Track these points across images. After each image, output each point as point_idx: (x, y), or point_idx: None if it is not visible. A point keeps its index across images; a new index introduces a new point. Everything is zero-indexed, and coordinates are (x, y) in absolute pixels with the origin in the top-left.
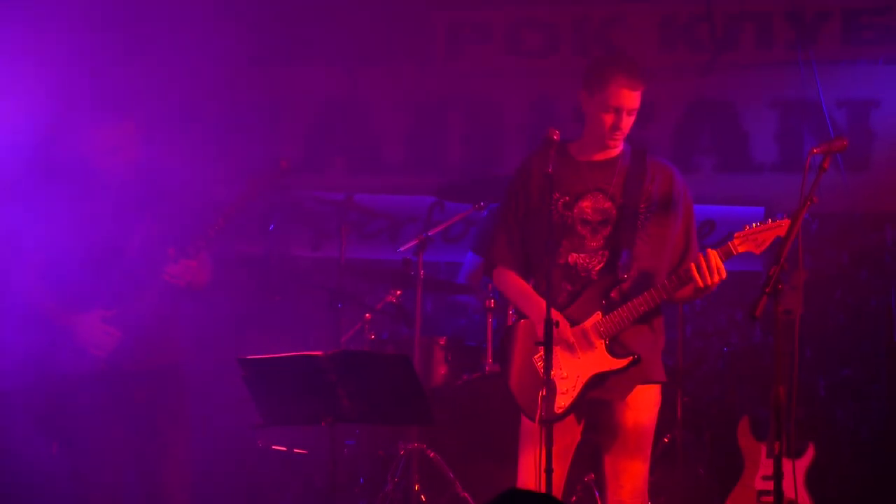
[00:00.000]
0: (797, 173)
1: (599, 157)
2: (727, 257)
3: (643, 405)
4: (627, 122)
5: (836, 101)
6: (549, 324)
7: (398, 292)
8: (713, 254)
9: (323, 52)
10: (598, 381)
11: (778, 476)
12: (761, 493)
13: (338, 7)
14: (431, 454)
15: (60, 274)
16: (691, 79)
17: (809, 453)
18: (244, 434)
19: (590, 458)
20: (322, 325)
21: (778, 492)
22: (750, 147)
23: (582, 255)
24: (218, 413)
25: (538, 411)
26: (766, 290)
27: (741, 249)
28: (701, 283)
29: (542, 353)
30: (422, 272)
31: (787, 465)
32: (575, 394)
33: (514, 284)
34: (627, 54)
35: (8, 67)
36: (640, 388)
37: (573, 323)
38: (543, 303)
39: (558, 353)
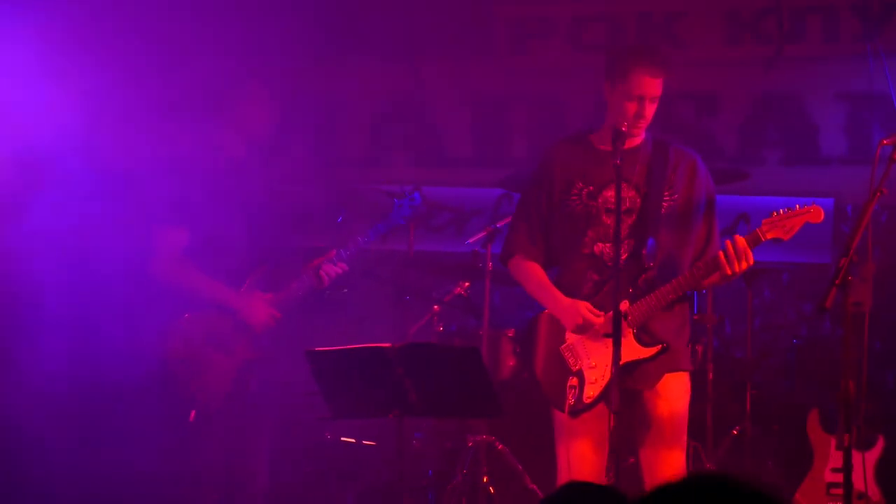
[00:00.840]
0: (866, 165)
1: (624, 145)
2: (755, 244)
3: (674, 393)
4: (650, 109)
5: None
6: (618, 314)
7: (466, 284)
8: (741, 240)
9: (383, 46)
10: (627, 370)
11: (847, 468)
12: (831, 485)
13: (399, 1)
14: (500, 446)
15: (224, 256)
16: (758, 72)
17: (879, 445)
18: (313, 425)
19: (628, 442)
20: (390, 317)
21: (847, 484)
22: (818, 139)
23: (607, 244)
24: (287, 404)
25: (567, 402)
26: (836, 282)
27: (769, 236)
28: (729, 271)
29: (568, 343)
30: (490, 264)
31: (856, 457)
32: (605, 383)
33: (534, 275)
34: (649, 44)
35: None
36: (668, 376)
37: (602, 311)
38: (562, 295)
39: (586, 343)
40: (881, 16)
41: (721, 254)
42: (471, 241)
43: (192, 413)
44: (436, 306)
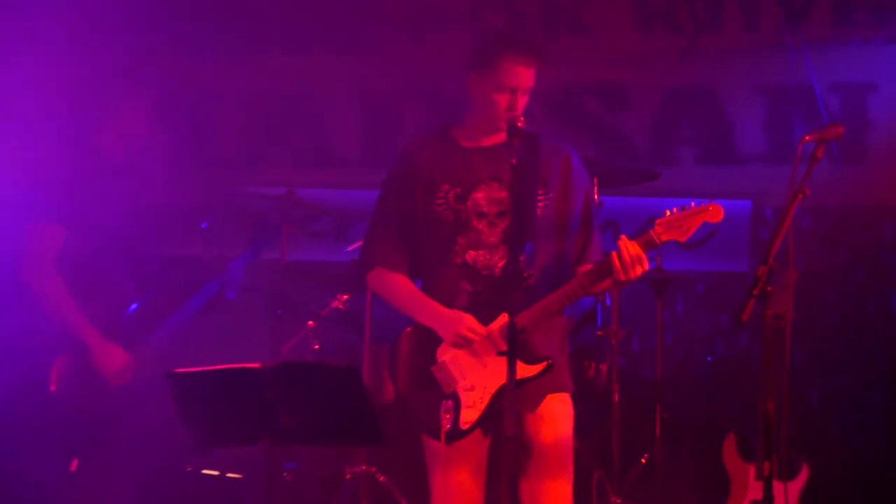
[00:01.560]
0: (787, 164)
1: (489, 142)
2: (650, 247)
3: (559, 416)
4: (522, 102)
5: (830, 85)
6: (514, 329)
7: (345, 297)
8: (633, 245)
9: (265, 40)
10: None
11: (768, 501)
12: None
13: None
14: (381, 478)
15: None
16: (670, 64)
17: (803, 474)
18: (173, 457)
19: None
20: (261, 333)
21: None
22: (735, 137)
23: (480, 251)
24: (144, 434)
25: (443, 429)
26: (754, 292)
27: (665, 238)
28: (622, 276)
29: (440, 362)
30: None
31: (778, 488)
32: (483, 406)
33: (403, 287)
34: (519, 30)
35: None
36: (551, 397)
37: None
38: (441, 307)
39: (461, 362)
40: (804, 4)
41: (614, 256)
42: (351, 248)
43: (75, 462)
44: (311, 321)
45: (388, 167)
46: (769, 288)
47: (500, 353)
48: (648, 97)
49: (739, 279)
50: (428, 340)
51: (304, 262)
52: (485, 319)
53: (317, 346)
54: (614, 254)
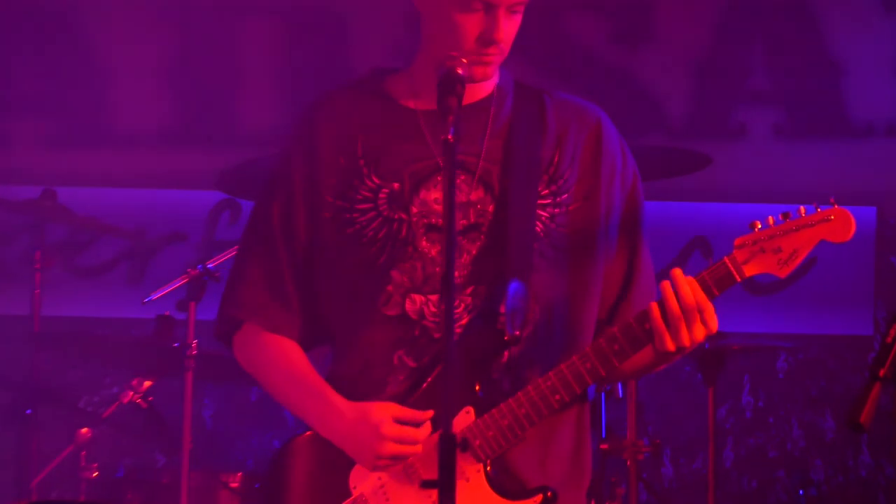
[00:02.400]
0: None
1: None
2: (722, 287)
3: None
4: (508, 27)
5: None
6: (449, 441)
7: (147, 384)
8: (687, 284)
9: None
10: None
11: None
12: None
13: None
14: None
15: None
16: None
17: None
18: None
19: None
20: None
21: None
22: (849, 90)
23: (433, 295)
24: None
25: None
26: (881, 372)
27: (751, 271)
28: (670, 344)
29: (357, 495)
30: (194, 341)
31: None
32: None
33: (285, 361)
34: None
35: None
36: None
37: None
38: (343, 399)
39: (391, 492)
40: None
41: (655, 311)
42: (156, 296)
43: None
44: (86, 428)
45: (268, 147)
46: None
47: (426, 484)
48: (688, 18)
49: (856, 347)
50: (338, 455)
51: (69, 321)
52: (436, 415)
53: (94, 475)
54: (655, 305)
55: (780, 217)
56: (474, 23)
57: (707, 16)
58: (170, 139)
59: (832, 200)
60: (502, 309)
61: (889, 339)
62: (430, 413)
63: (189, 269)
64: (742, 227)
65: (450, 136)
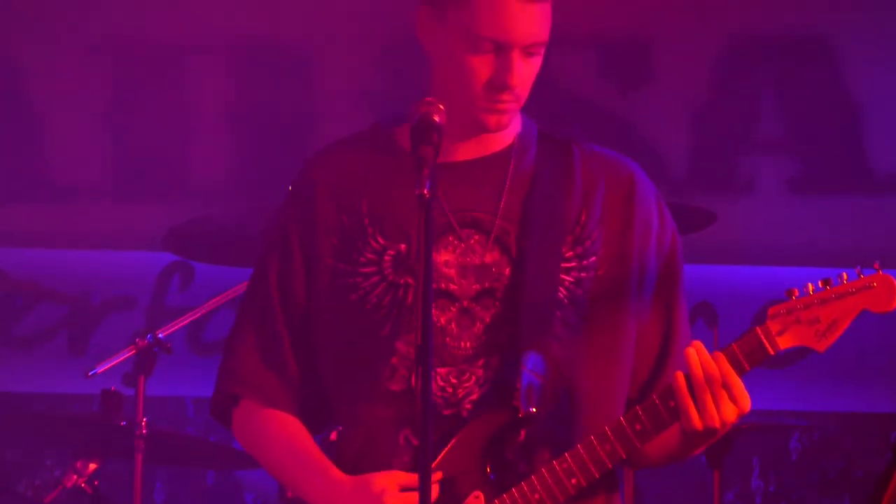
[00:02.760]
0: None
1: (469, 152)
2: (753, 360)
3: None
4: (524, 71)
5: None
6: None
7: (92, 466)
8: (716, 355)
9: None
10: None
11: None
12: None
13: None
14: None
15: None
16: None
17: None
18: None
19: None
20: None
21: None
22: (870, 137)
23: (441, 368)
24: None
25: None
26: None
27: (786, 343)
28: (697, 419)
29: None
30: (144, 419)
31: None
32: None
33: (284, 437)
34: None
35: None
36: None
37: None
38: (341, 473)
39: None
40: None
41: (680, 378)
42: (100, 369)
43: None
44: None
45: (222, 201)
46: None
47: None
48: (693, 59)
49: (878, 426)
50: None
51: (6, 397)
52: (444, 499)
53: None
54: (681, 375)
55: (820, 284)
56: (485, 65)
57: (710, 53)
58: (112, 193)
59: (876, 266)
60: (518, 384)
61: None
62: (438, 475)
63: (137, 339)
64: (750, 292)
65: (425, 191)
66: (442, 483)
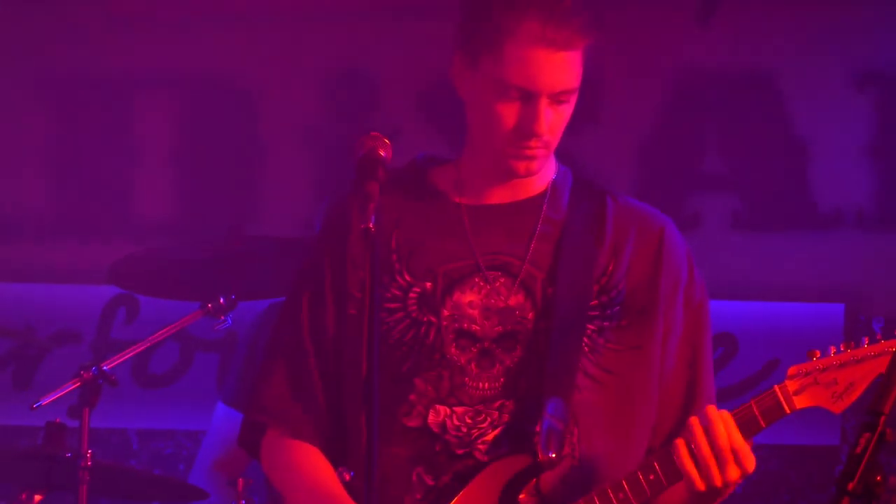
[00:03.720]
0: None
1: (502, 196)
2: (769, 419)
3: None
4: (552, 119)
5: None
6: None
7: (37, 498)
8: (724, 418)
9: None
10: None
11: None
12: None
13: None
14: None
15: None
16: (685, 29)
17: None
18: None
19: None
20: None
21: None
22: (814, 174)
23: (458, 407)
24: None
25: None
26: (849, 486)
27: (801, 403)
28: (699, 482)
29: None
30: (89, 452)
31: None
32: None
33: (303, 469)
34: None
35: None
36: None
37: None
38: None
39: None
40: None
41: (680, 447)
42: (45, 401)
43: None
44: None
45: (167, 237)
46: (879, 480)
47: None
48: (638, 96)
49: (822, 460)
50: None
51: None
52: None
53: None
54: (681, 443)
55: (842, 347)
56: (513, 112)
57: (655, 89)
58: (55, 228)
59: None
60: (538, 428)
61: (858, 450)
62: None
63: (82, 371)
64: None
65: (370, 225)
66: None
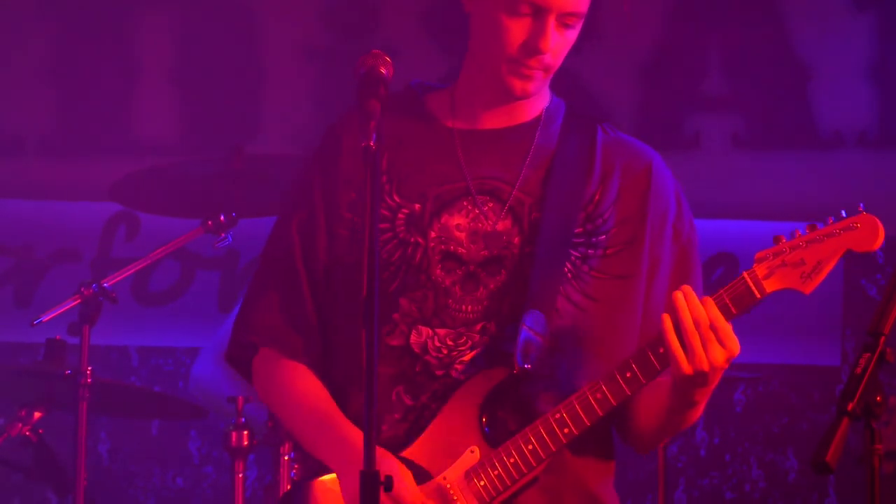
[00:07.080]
0: None
1: (495, 121)
2: (740, 305)
3: None
4: (557, 41)
5: None
6: (372, 480)
7: (37, 415)
8: (704, 300)
9: None
10: None
11: None
12: None
13: None
14: None
15: None
16: None
17: None
18: None
19: None
20: None
21: None
22: (816, 94)
23: (440, 329)
24: None
25: None
26: (849, 406)
27: (771, 287)
28: (685, 363)
29: None
30: (89, 369)
31: None
32: None
33: (296, 388)
34: None
35: None
36: None
37: (421, 476)
38: (352, 431)
39: None
40: None
41: (666, 321)
42: (45, 318)
43: None
44: None
45: (167, 155)
46: (879, 400)
47: None
48: (640, 15)
49: (823, 380)
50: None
51: None
52: (436, 458)
53: None
54: (667, 317)
55: (807, 229)
56: (521, 28)
57: (657, 10)
58: (56, 145)
59: (860, 208)
60: (521, 337)
61: (858, 371)
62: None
63: (83, 289)
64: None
65: (371, 143)
66: (439, 439)
